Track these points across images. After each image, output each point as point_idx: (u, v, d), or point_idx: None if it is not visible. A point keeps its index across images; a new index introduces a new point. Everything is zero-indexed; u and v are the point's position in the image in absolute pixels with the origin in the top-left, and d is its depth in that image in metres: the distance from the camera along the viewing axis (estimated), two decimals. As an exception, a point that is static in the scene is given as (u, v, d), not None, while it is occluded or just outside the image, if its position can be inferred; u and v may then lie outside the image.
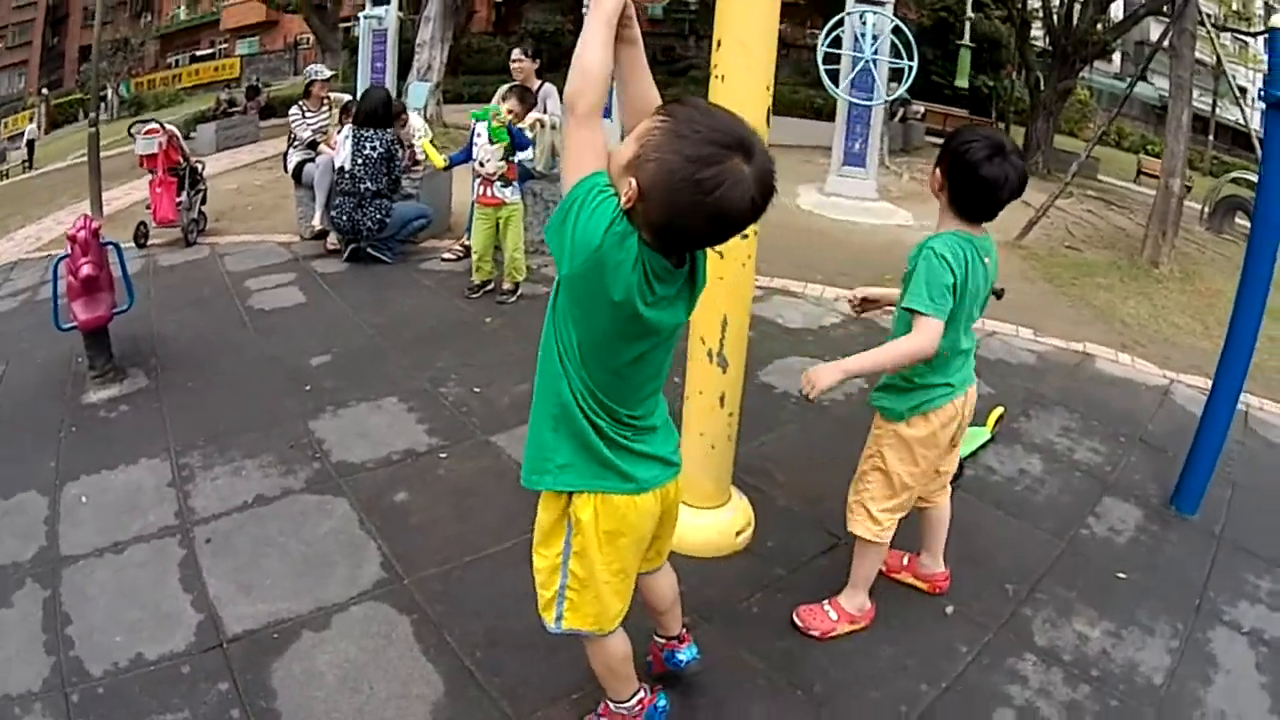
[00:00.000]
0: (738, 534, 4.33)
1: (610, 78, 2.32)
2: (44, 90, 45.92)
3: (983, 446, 5.69)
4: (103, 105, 38.78)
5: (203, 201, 10.59)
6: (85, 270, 5.86)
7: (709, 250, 2.44)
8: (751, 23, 3.70)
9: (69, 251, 5.93)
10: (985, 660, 3.78)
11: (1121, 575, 4.52)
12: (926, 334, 3.19)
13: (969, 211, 3.39)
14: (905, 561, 4.24)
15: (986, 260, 3.47)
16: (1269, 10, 33.28)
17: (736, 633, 3.79)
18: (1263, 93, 4.75)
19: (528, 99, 8.03)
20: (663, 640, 3.34)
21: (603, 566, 2.65)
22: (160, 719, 3.23)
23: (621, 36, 2.37)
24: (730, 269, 3.88)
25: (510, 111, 7.57)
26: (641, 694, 3.06)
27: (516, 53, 9.09)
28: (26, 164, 30.11)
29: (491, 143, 7.47)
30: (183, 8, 56.20)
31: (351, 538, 4.35)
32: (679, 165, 2.10)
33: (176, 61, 53.78)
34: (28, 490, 4.81)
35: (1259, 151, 12.60)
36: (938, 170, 3.37)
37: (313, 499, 4.68)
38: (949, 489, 4.09)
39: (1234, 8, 30.38)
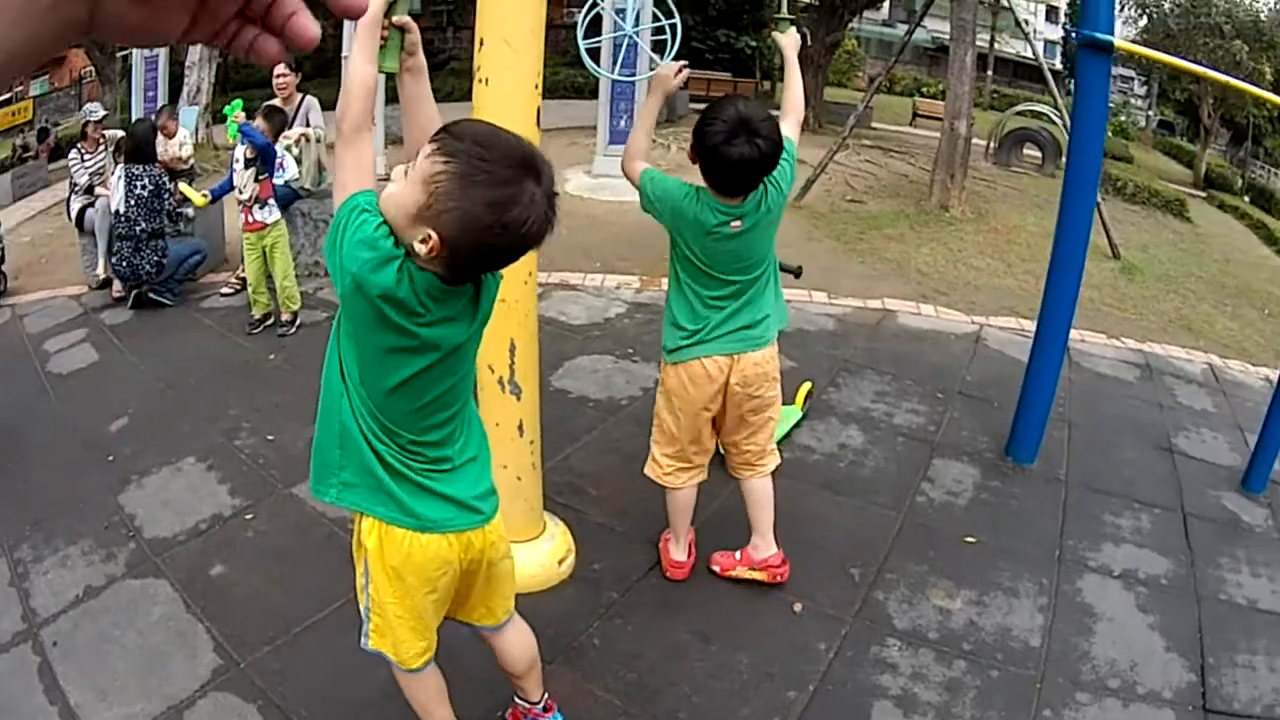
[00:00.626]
0: (560, 562, 4.19)
1: (374, 91, 2.37)
2: None
3: (796, 425, 5.61)
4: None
5: (1, 261, 9.98)
6: None
7: None
8: (517, 19, 3.50)
9: None
10: (848, 653, 3.74)
11: (970, 539, 4.53)
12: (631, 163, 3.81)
13: (721, 187, 3.49)
14: (738, 556, 4.19)
15: (735, 224, 3.52)
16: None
17: (584, 669, 3.65)
18: (1075, 33, 4.87)
19: (275, 119, 7.77)
20: (524, 705, 3.18)
21: (393, 601, 2.55)
22: None
23: (405, 64, 2.42)
24: (513, 290, 3.69)
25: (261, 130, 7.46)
26: (523, 706, 3.08)
27: (280, 67, 8.85)
28: None
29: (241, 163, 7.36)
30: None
31: (180, 623, 4.10)
32: (482, 213, 2.04)
33: (-31, 111, 51.40)
34: None
35: (1050, 81, 13.01)
36: (690, 149, 3.52)
37: (136, 584, 4.42)
38: (756, 470, 4.05)
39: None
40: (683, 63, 3.92)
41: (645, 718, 3.41)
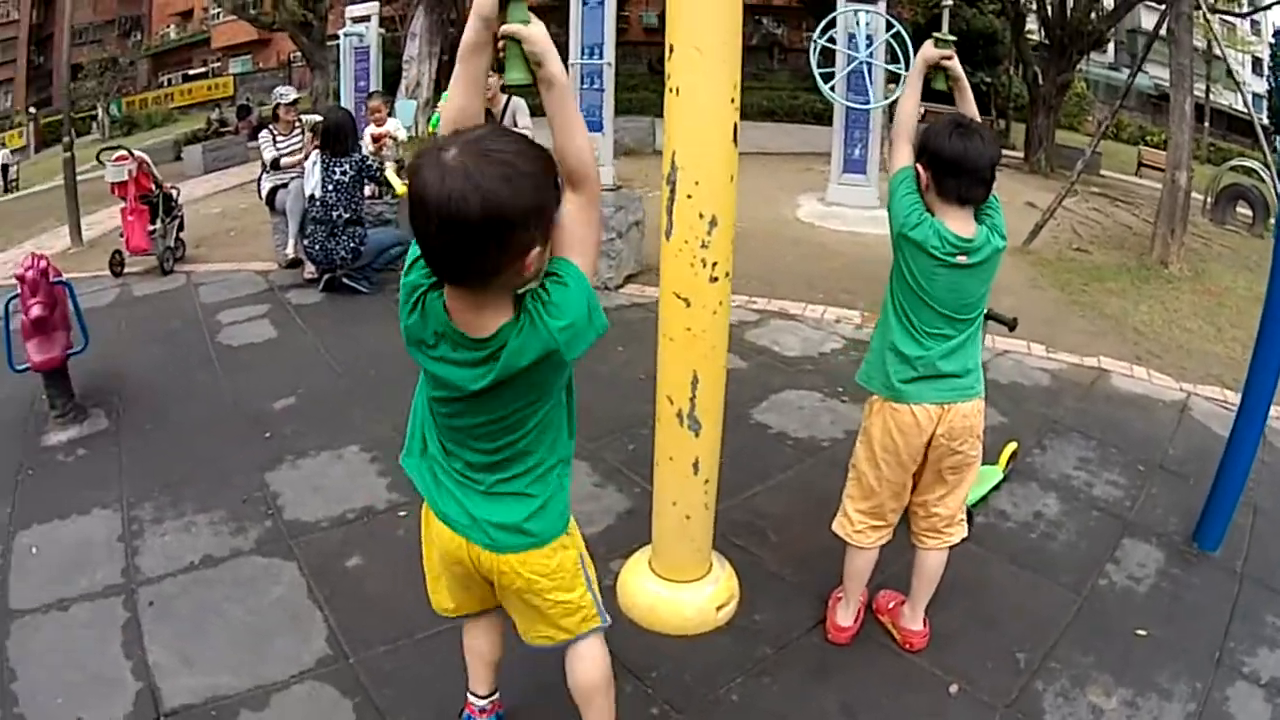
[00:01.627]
0: (719, 609, 3.93)
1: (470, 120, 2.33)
2: (32, 109, 45.78)
3: (995, 488, 5.29)
4: (94, 124, 38.66)
5: (180, 229, 10.35)
6: (35, 311, 5.69)
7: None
8: (708, 24, 3.20)
9: (18, 291, 5.77)
10: (994, 746, 3.42)
11: (1141, 633, 4.17)
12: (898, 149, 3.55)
13: (947, 191, 3.33)
14: (891, 605, 4.03)
15: (963, 259, 3.33)
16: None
17: (716, 727, 3.40)
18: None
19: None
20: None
21: (424, 554, 2.88)
22: None
23: (538, 76, 2.31)
24: (699, 318, 3.45)
25: None
26: (470, 701, 3.15)
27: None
28: (12, 185, 29.78)
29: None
30: (172, 28, 56.24)
31: (298, 608, 4.06)
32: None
33: (169, 80, 53.79)
34: None
35: (1261, 137, 12.31)
36: (918, 165, 3.39)
37: (261, 562, 4.41)
38: (942, 538, 3.79)
39: (1217, -12, 30.13)
40: (947, 50, 3.73)
41: (770, 785, 3.13)
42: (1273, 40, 50.79)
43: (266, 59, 52.99)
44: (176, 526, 4.71)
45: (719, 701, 3.53)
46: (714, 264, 3.39)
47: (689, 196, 3.31)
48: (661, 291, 3.55)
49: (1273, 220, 13.14)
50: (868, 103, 12.76)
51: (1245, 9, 29.66)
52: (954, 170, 3.28)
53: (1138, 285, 11.05)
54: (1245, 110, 15.13)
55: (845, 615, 3.89)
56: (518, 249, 2.02)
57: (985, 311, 3.82)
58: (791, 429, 5.95)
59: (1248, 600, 4.47)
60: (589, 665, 2.80)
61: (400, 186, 8.08)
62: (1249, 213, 18.68)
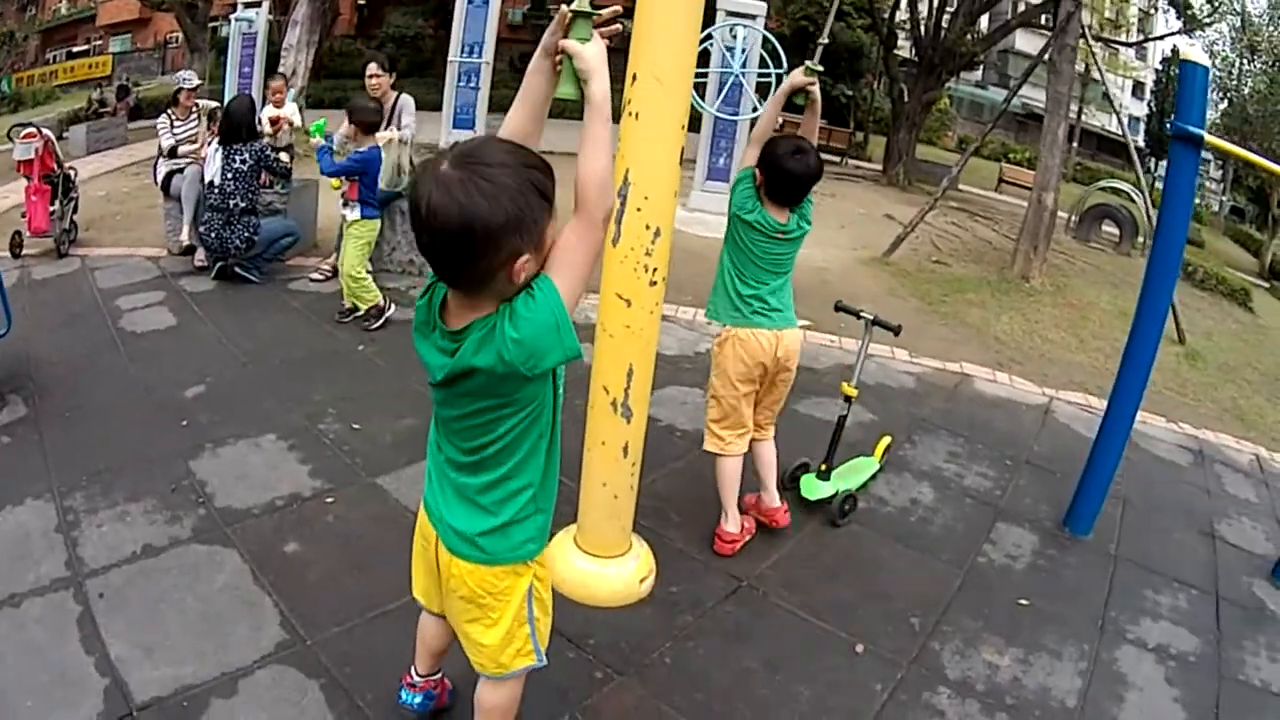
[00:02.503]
0: (641, 581, 4.27)
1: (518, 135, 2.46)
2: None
3: (873, 477, 5.73)
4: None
5: (74, 210, 10.14)
6: None
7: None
8: (670, 57, 3.56)
9: None
10: (901, 697, 3.84)
11: (1024, 602, 4.66)
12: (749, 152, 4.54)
13: (778, 197, 4.44)
14: (754, 500, 5.05)
15: (779, 235, 4.46)
16: (1143, 19, 34.53)
17: (654, 686, 3.73)
18: (1170, 125, 4.96)
19: (365, 114, 7.85)
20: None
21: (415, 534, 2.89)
22: None
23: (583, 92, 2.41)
24: (638, 317, 3.81)
25: (347, 137, 7.76)
26: (410, 673, 3.30)
27: (373, 67, 8.85)
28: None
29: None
30: (64, 3, 54.71)
31: (247, 594, 4.13)
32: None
33: (54, 57, 52.21)
34: None
35: (1135, 160, 13.01)
36: (757, 170, 4.42)
37: (202, 549, 4.45)
38: (768, 432, 4.93)
39: (1107, 16, 31.32)
40: (812, 79, 4.56)
41: (705, 736, 3.47)
42: (1159, 67, 53.02)
43: (144, 39, 51.69)
44: (111, 516, 4.69)
45: (654, 664, 3.85)
46: (654, 269, 3.79)
47: (638, 210, 3.67)
48: (603, 293, 3.87)
49: (1140, 239, 13.85)
50: (738, 113, 13.20)
51: (1133, 39, 30.99)
52: (784, 182, 4.36)
53: (998, 298, 11.65)
54: (1120, 133, 15.79)
55: (732, 523, 4.65)
56: (500, 258, 2.12)
57: (873, 318, 5.11)
58: (679, 422, 6.34)
59: (1125, 578, 5.04)
60: (492, 691, 2.88)
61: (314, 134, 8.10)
62: (1115, 231, 19.62)
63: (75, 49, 51.86)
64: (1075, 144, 41.59)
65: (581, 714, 3.51)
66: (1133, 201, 17.56)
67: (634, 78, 3.57)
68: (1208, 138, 4.80)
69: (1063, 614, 4.60)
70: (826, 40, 4.77)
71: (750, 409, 4.68)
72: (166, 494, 4.92)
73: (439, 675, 3.31)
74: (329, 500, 4.96)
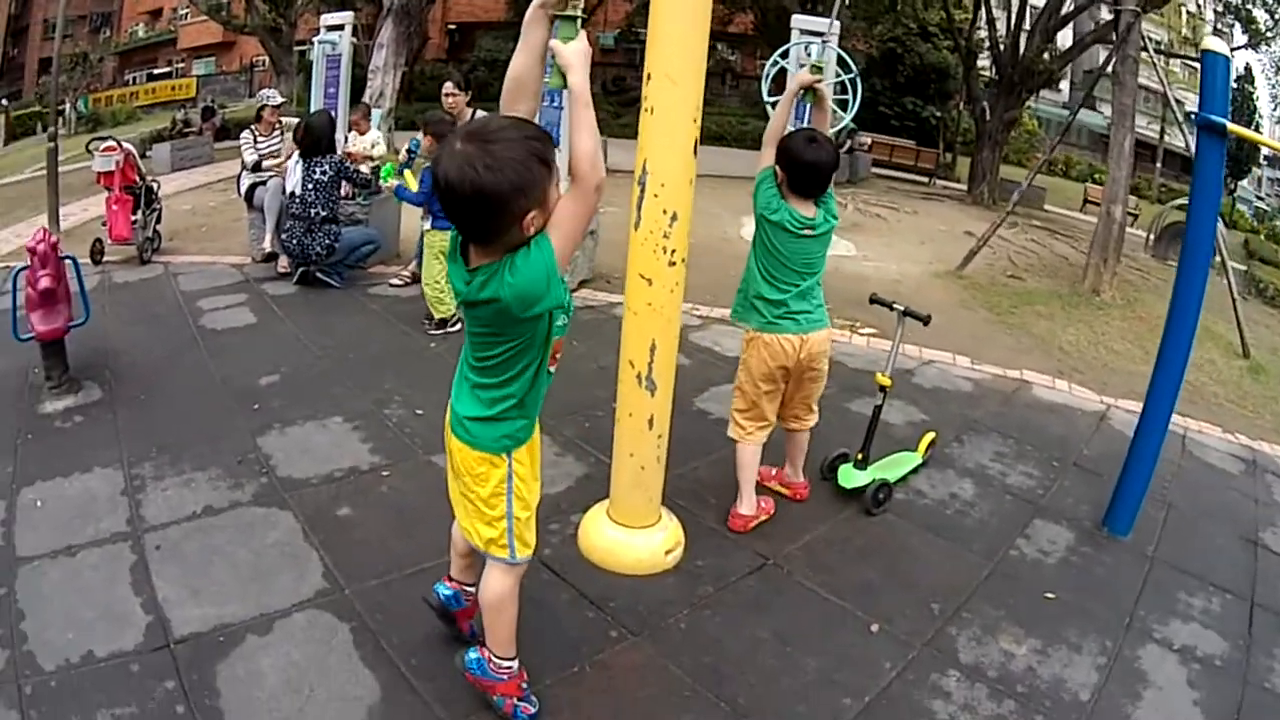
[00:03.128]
0: (667, 552, 4.47)
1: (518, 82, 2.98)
2: (3, 101, 45.43)
3: (914, 471, 5.81)
4: (61, 120, 38.57)
5: (158, 220, 10.61)
6: (43, 283, 5.95)
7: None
8: (680, 57, 3.87)
9: (28, 263, 6.01)
10: (910, 676, 3.91)
11: (1050, 595, 4.66)
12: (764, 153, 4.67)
13: (800, 189, 4.56)
14: (774, 474, 5.31)
15: (807, 232, 4.57)
16: (1219, 35, 34.07)
17: (666, 647, 3.92)
18: (1194, 115, 5.02)
19: (440, 127, 8.05)
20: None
21: None
22: (108, 713, 3.33)
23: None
24: (659, 295, 4.06)
25: (427, 152, 8.01)
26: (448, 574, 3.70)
27: (448, 86, 9.17)
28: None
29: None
30: (141, 26, 56.05)
31: (295, 549, 4.45)
32: None
33: (134, 79, 53.60)
34: None
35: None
36: (776, 166, 4.57)
37: (259, 511, 4.79)
38: (803, 423, 5.12)
39: (1183, 34, 30.98)
40: (818, 76, 4.88)
41: (707, 696, 3.65)
42: (1234, 86, 52.23)
43: (229, 62, 52.82)
44: (177, 482, 5.04)
45: (669, 629, 4.04)
46: (673, 251, 4.04)
47: (656, 195, 3.95)
48: (628, 273, 4.15)
49: (1216, 258, 13.72)
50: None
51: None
52: (806, 173, 4.50)
53: (1067, 310, 11.60)
54: (1188, 150, 15.63)
55: (745, 506, 4.81)
56: (509, 218, 2.58)
57: (904, 309, 5.17)
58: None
59: (1159, 578, 4.98)
60: (486, 585, 3.27)
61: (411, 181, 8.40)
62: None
63: (156, 71, 53.17)
64: (1159, 164, 41.13)
65: (591, 667, 3.73)
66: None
67: (648, 77, 3.90)
68: (1230, 126, 4.85)
69: (1089, 609, 4.59)
70: (818, 62, 5.00)
71: (773, 405, 4.88)
72: (232, 465, 5.26)
73: (473, 588, 3.58)
74: (385, 474, 5.27)
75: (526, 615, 3.45)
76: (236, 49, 51.18)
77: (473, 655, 3.38)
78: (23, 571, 4.18)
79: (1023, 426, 6.97)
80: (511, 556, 3.19)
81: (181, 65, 54.16)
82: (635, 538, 4.43)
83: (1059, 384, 8.21)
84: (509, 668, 3.34)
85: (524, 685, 3.40)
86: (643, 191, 3.98)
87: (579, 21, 2.85)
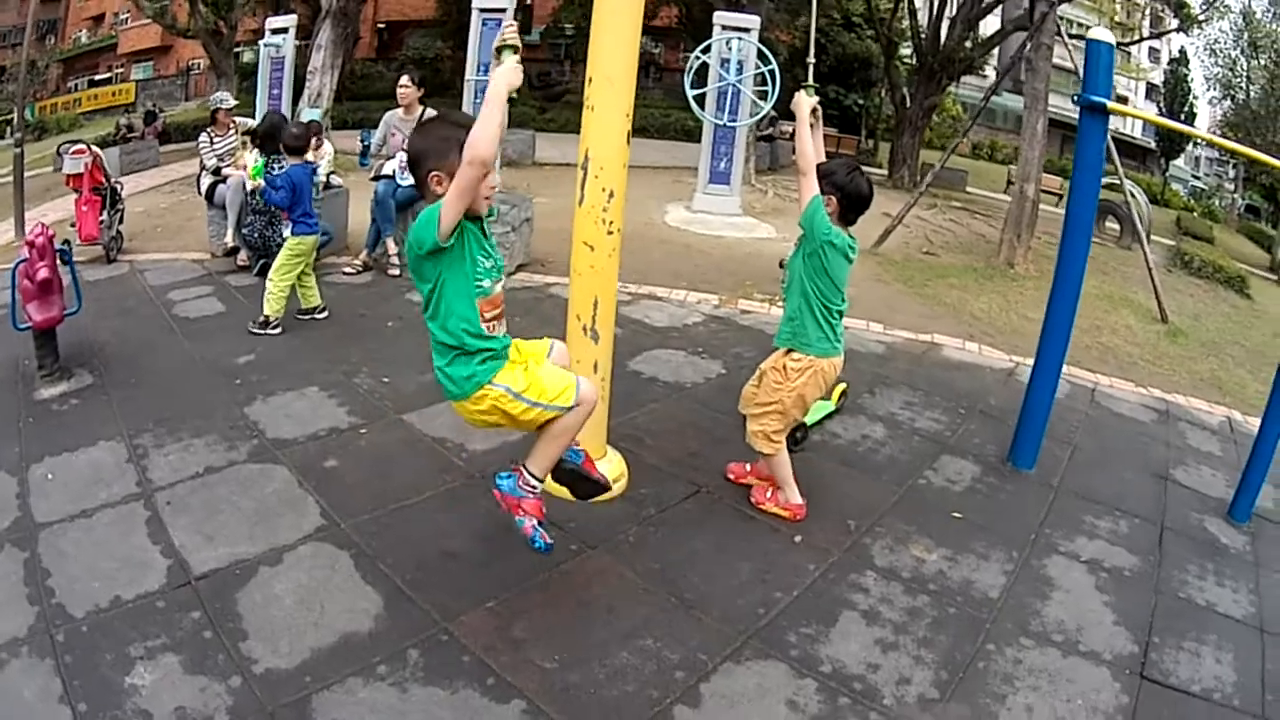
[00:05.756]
0: (614, 480, 5.11)
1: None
2: (-45, 110, 44.96)
3: (828, 417, 6.45)
4: (8, 128, 38.32)
5: (121, 220, 10.85)
6: (42, 273, 6.25)
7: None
8: (616, 61, 4.61)
9: (26, 256, 6.29)
10: (831, 576, 4.57)
11: (958, 515, 5.31)
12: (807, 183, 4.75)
13: (849, 217, 4.89)
14: (748, 469, 5.48)
15: (851, 255, 4.86)
16: (1155, 20, 34.91)
17: (619, 557, 4.59)
18: (1076, 97, 5.60)
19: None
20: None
21: None
22: (141, 645, 3.74)
23: None
24: (600, 259, 4.77)
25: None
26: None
27: (404, 79, 9.84)
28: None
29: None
30: (84, 32, 55.45)
31: (293, 495, 5.01)
32: None
33: (76, 85, 52.95)
34: None
35: (1115, 158, 13.46)
36: (830, 197, 4.76)
37: (255, 467, 5.31)
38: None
39: (1116, 19, 31.72)
40: (815, 100, 5.09)
41: (659, 593, 4.31)
42: (1167, 68, 53.37)
43: (167, 66, 52.24)
44: (177, 449, 5.51)
45: (620, 543, 4.71)
46: (611, 222, 4.78)
47: (596, 176, 4.71)
48: (574, 242, 4.84)
49: (1139, 233, 14.42)
50: (736, 120, 13.97)
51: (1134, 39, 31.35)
52: (858, 205, 4.84)
53: (980, 282, 12.30)
54: (1132, 136, 16.33)
55: (796, 495, 5.14)
56: (421, 172, 3.60)
57: None
58: (661, 375, 7.20)
59: (1064, 505, 5.60)
60: (559, 419, 3.87)
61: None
62: (1117, 227, 20.26)
63: (97, 77, 52.36)
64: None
65: (558, 574, 4.40)
66: (1134, 199, 18.05)
67: (590, 79, 4.65)
68: (1110, 105, 5.45)
69: (995, 527, 5.17)
70: (813, 60, 5.44)
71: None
72: (225, 430, 5.76)
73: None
74: (362, 431, 5.85)
75: (498, 536, 4.29)
76: (174, 53, 50.68)
77: (504, 475, 4.03)
78: (43, 535, 4.53)
79: (931, 381, 7.61)
80: (567, 408, 3.84)
81: (121, 70, 53.44)
82: (585, 469, 5.11)
83: (969, 346, 8.84)
84: (534, 488, 3.96)
85: (544, 516, 4.00)
86: (585, 174, 4.70)
87: (516, 51, 3.72)
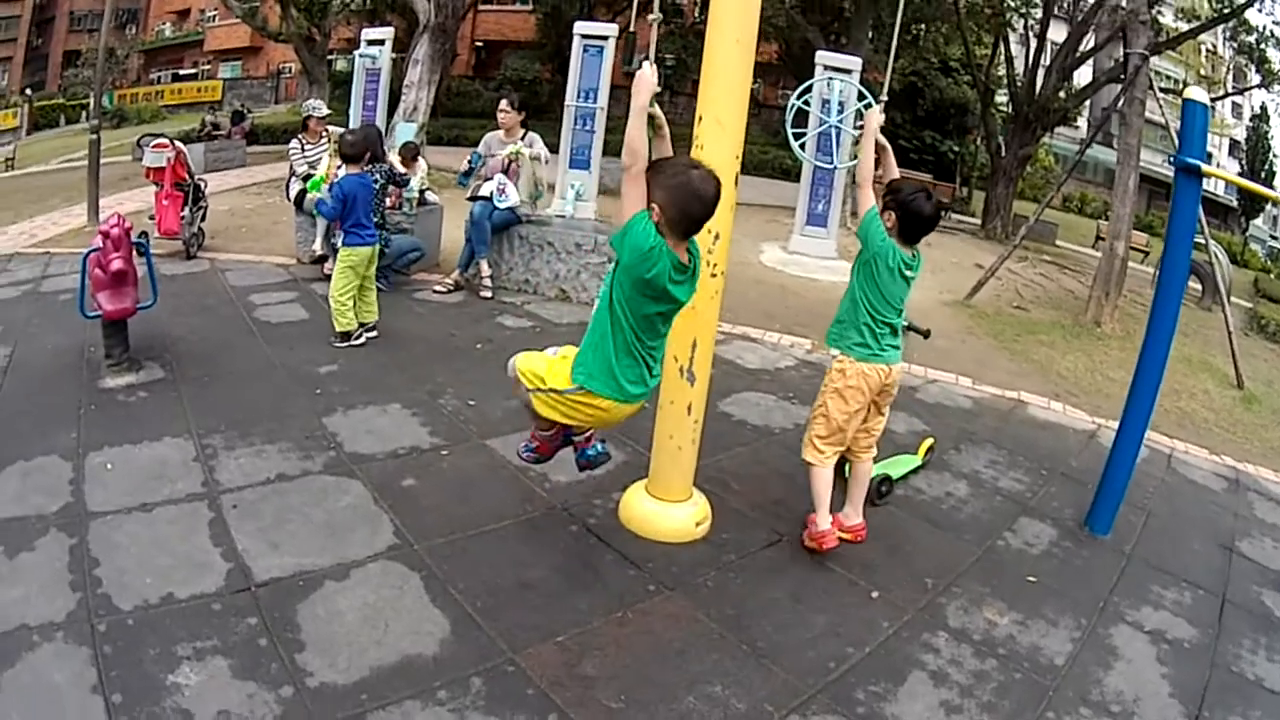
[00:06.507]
0: (697, 524, 5.11)
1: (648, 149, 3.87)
2: (27, 90, 45.93)
3: (913, 471, 6.37)
4: (84, 114, 39.17)
5: (203, 218, 11.09)
6: (116, 264, 6.34)
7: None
8: (727, 104, 4.62)
9: (100, 245, 6.36)
10: (904, 634, 4.48)
11: (1032, 579, 5.19)
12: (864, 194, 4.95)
13: (908, 236, 4.88)
14: (835, 521, 5.19)
15: (908, 273, 4.91)
16: (1238, 74, 34.49)
17: (696, 600, 4.53)
18: (1171, 158, 5.53)
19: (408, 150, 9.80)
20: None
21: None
22: (190, 645, 3.75)
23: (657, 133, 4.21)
24: (701, 301, 4.66)
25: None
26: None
27: (504, 103, 9.88)
28: (8, 164, 30.05)
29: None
30: (168, 25, 56.54)
31: (367, 511, 5.00)
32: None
33: (159, 78, 54.08)
34: (49, 455, 5.30)
35: (1200, 217, 13.15)
36: (890, 213, 4.84)
37: (330, 479, 5.32)
38: (869, 454, 5.31)
39: (1200, 72, 31.40)
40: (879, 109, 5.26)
41: (732, 639, 4.25)
42: (1250, 124, 52.76)
43: (256, 67, 53.20)
44: (248, 453, 5.54)
45: (698, 586, 4.66)
46: (715, 264, 4.74)
47: None
48: None
49: (1220, 295, 14.18)
50: (833, 163, 13.76)
51: (1218, 94, 30.96)
52: (918, 223, 4.84)
53: (1068, 340, 12.12)
54: (1214, 193, 16.15)
55: (825, 521, 5.05)
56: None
57: (907, 324, 5.44)
58: (751, 419, 7.13)
59: (1134, 573, 5.48)
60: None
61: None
62: (1199, 287, 19.83)
63: (182, 71, 53.48)
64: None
65: (633, 614, 4.34)
66: (1217, 260, 17.79)
67: (700, 119, 4.64)
68: (1204, 167, 5.37)
69: (1066, 592, 5.08)
70: (886, 96, 5.45)
71: (851, 428, 5.08)
72: (301, 439, 5.78)
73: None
74: (444, 453, 5.84)
75: (576, 571, 4.21)
76: (264, 54, 51.64)
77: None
78: (94, 524, 4.58)
79: (1016, 440, 7.49)
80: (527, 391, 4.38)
81: (208, 67, 54.59)
82: (670, 509, 5.08)
83: (1054, 405, 8.71)
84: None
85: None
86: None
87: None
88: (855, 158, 12.99)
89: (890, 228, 4.84)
